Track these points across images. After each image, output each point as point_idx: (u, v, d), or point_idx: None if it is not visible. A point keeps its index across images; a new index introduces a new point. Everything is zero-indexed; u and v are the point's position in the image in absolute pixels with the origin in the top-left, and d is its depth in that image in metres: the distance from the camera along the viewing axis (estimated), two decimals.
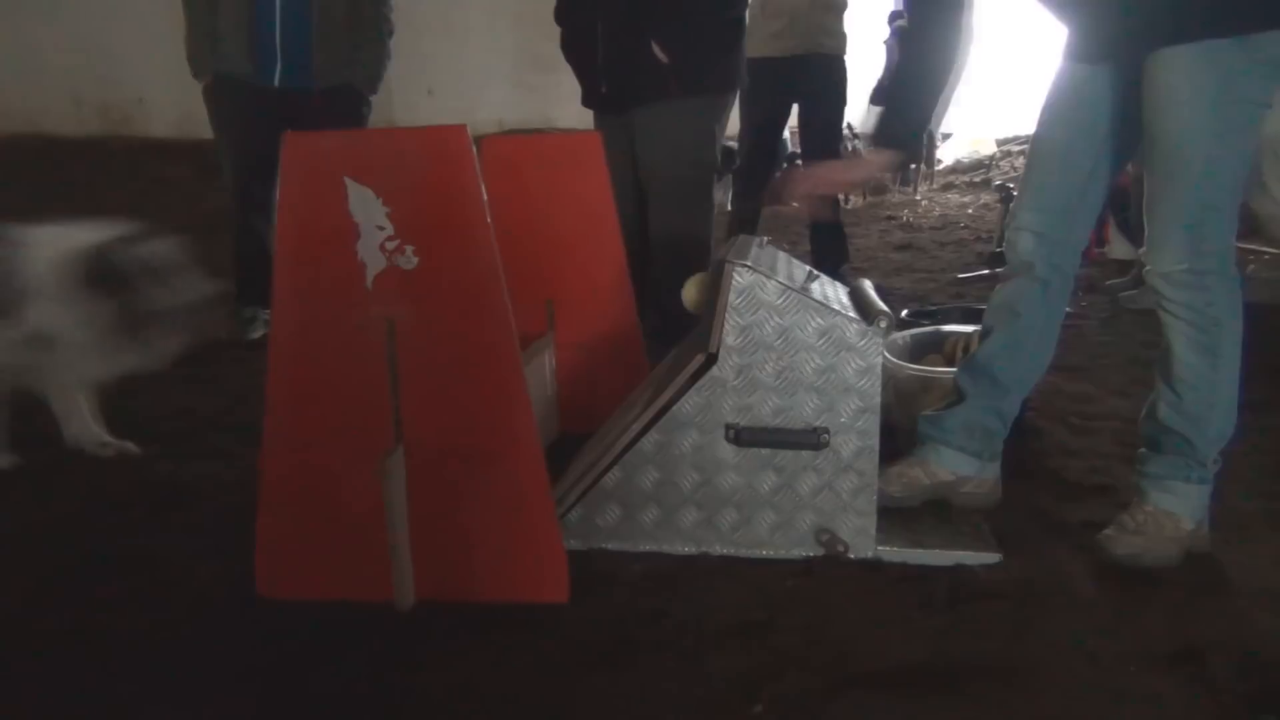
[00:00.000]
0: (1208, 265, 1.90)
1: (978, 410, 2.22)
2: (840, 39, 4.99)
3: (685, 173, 3.28)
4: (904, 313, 3.48)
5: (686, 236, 3.28)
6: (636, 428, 2.05)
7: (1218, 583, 1.94)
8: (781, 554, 2.05)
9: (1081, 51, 2.05)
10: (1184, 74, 1.85)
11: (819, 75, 4.93)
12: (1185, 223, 1.90)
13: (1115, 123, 2.03)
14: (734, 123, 4.07)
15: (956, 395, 2.25)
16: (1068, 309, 3.98)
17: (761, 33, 4.57)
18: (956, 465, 2.23)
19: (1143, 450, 2.08)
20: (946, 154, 11.55)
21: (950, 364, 2.73)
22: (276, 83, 3.65)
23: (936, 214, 8.52)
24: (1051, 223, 2.11)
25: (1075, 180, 2.09)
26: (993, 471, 2.27)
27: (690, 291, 2.53)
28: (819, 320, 1.98)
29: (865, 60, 8.21)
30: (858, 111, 8.84)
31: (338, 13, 3.64)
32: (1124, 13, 1.92)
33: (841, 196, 7.77)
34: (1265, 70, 1.83)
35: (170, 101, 10.47)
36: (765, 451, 2.02)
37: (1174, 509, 2.00)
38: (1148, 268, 2.00)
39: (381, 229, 1.76)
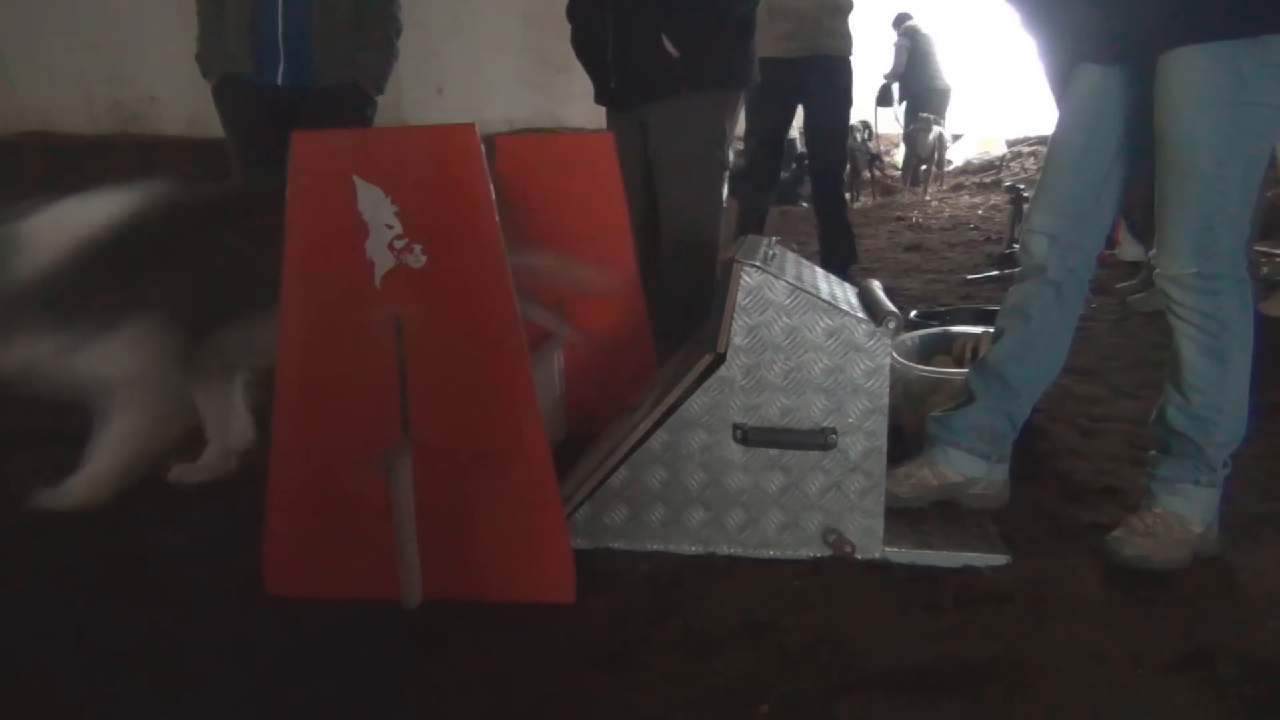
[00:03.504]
0: (1218, 269, 1.89)
1: (987, 412, 2.21)
2: (845, 40, 5.00)
3: (695, 170, 3.28)
4: (913, 314, 3.48)
5: (695, 234, 3.29)
6: (644, 426, 2.04)
7: (1228, 586, 1.93)
8: (788, 554, 2.05)
9: (1097, 52, 2.04)
10: (1195, 74, 1.83)
11: (824, 77, 4.94)
12: (1195, 226, 1.88)
13: (1131, 125, 2.02)
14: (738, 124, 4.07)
15: (966, 396, 2.25)
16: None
17: (767, 34, 4.57)
18: (965, 467, 2.22)
19: (1152, 453, 2.07)
20: (957, 155, 11.54)
21: (959, 365, 2.72)
22: (280, 81, 3.65)
23: (946, 215, 8.52)
24: (1066, 226, 2.10)
25: (1090, 183, 2.08)
26: (1001, 473, 2.26)
27: None
28: (827, 320, 1.98)
29: (871, 62, 8.22)
30: (861, 113, 8.85)
31: (341, 11, 3.63)
32: (1137, 13, 1.91)
33: (849, 195, 7.77)
34: (1276, 72, 1.81)
35: (181, 100, 10.51)
36: (773, 452, 2.02)
37: (1183, 511, 1.99)
38: (1157, 271, 1.99)
39: (390, 227, 1.76)
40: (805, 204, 9.15)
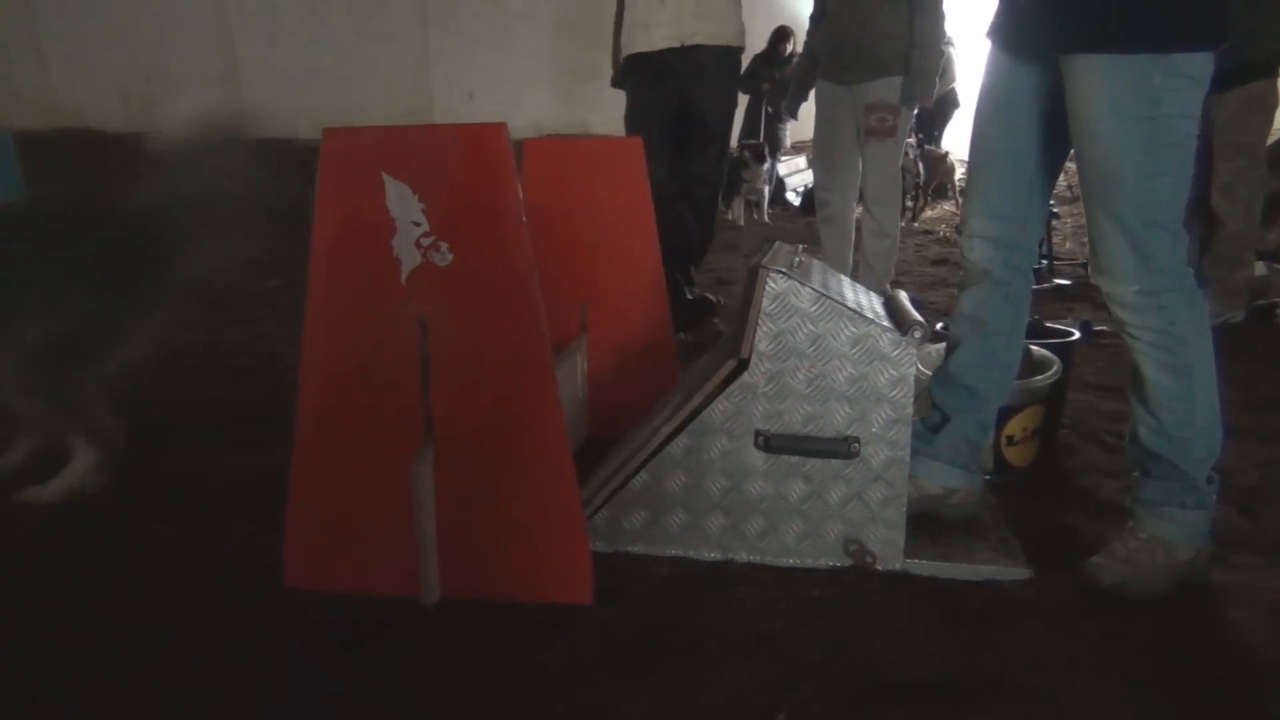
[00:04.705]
0: (1161, 284, 1.85)
1: (961, 427, 2.19)
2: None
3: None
4: (938, 325, 3.46)
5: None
6: (666, 431, 2.04)
7: (1255, 606, 1.90)
8: (808, 563, 2.04)
9: (1006, 42, 2.01)
10: (1107, 87, 1.80)
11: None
12: (1130, 243, 1.84)
13: (1051, 115, 1.97)
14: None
15: (939, 416, 2.21)
16: (1103, 328, 3.95)
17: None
18: (946, 479, 2.20)
19: (1135, 474, 2.02)
20: None
21: None
22: None
23: (956, 226, 8.44)
24: (1003, 227, 2.07)
25: (1021, 179, 2.05)
26: (978, 481, 2.25)
27: None
28: (852, 329, 1.97)
29: None
30: None
31: None
32: (1042, 9, 1.89)
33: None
34: (1188, 84, 1.78)
35: (214, 100, 10.64)
36: (794, 459, 2.01)
37: (1169, 536, 1.94)
38: (1103, 292, 1.94)
39: (417, 225, 1.77)
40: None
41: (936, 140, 10.03)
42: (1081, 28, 1.81)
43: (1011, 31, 2.00)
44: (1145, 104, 1.78)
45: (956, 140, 11.19)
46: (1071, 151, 2.01)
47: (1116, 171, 1.83)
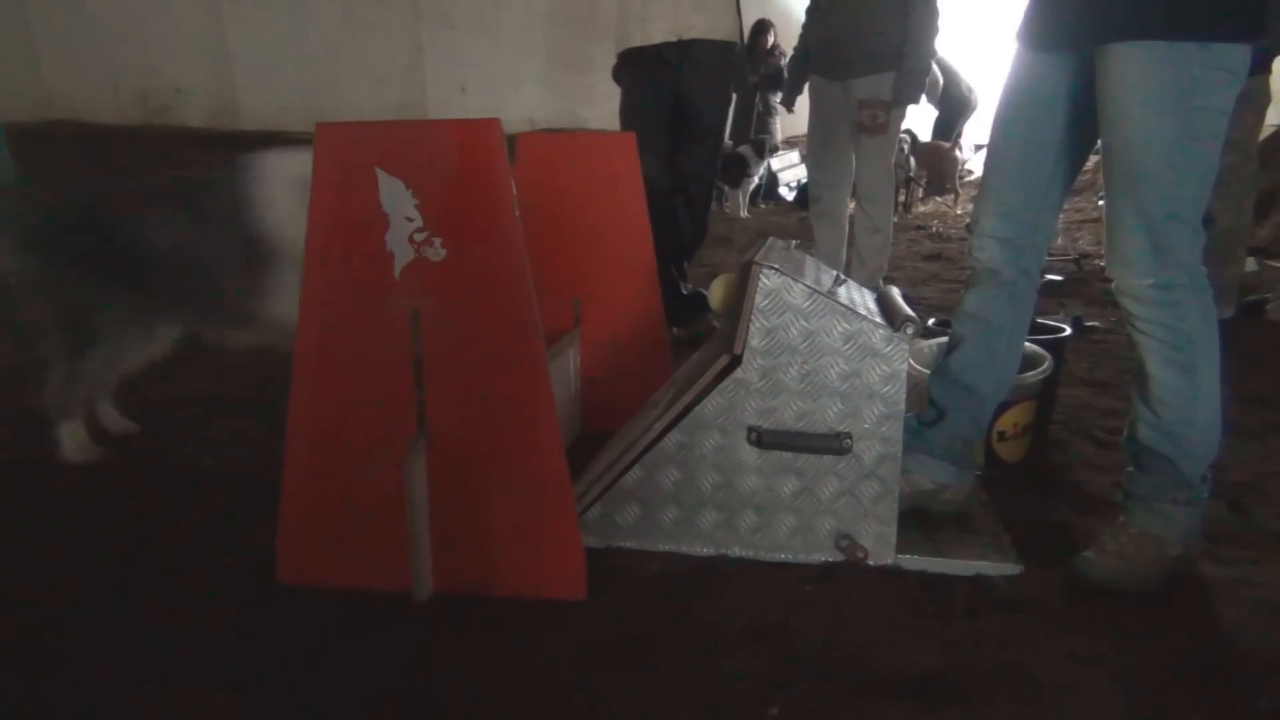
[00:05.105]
0: (1176, 279, 1.84)
1: (957, 422, 2.20)
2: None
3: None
4: (930, 321, 3.47)
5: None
6: (659, 426, 2.04)
7: (1245, 601, 1.91)
8: (800, 558, 2.04)
9: (1037, 38, 2.00)
10: (1144, 74, 1.79)
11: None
12: (1149, 235, 1.83)
13: (1075, 117, 1.97)
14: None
15: (935, 412, 2.22)
16: (1095, 323, 3.96)
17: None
18: (939, 474, 2.21)
19: (1129, 469, 2.03)
20: (977, 165, 11.47)
21: None
22: None
23: (966, 224, 8.45)
24: (1016, 229, 2.07)
25: (1037, 182, 2.04)
26: (969, 477, 2.26)
27: (717, 291, 2.53)
28: (845, 325, 1.97)
29: None
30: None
31: None
32: (1078, 1, 1.88)
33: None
34: (1225, 78, 1.78)
35: (206, 92, 10.61)
36: (787, 455, 2.02)
37: (1159, 532, 1.95)
38: (1113, 284, 1.94)
39: (410, 220, 1.77)
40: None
41: (954, 141, 10.04)
42: (1125, 15, 1.80)
43: (1047, 26, 1.98)
44: (1182, 93, 1.76)
45: (971, 141, 11.25)
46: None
47: (1144, 161, 1.82)
